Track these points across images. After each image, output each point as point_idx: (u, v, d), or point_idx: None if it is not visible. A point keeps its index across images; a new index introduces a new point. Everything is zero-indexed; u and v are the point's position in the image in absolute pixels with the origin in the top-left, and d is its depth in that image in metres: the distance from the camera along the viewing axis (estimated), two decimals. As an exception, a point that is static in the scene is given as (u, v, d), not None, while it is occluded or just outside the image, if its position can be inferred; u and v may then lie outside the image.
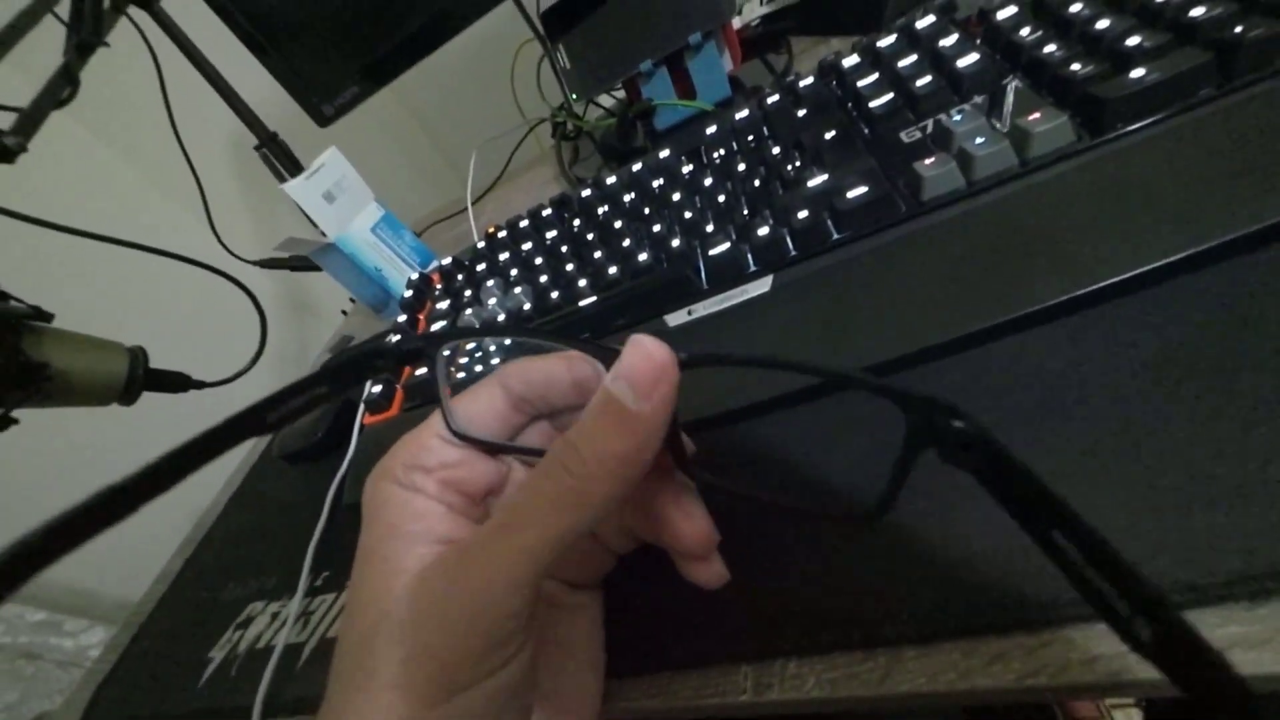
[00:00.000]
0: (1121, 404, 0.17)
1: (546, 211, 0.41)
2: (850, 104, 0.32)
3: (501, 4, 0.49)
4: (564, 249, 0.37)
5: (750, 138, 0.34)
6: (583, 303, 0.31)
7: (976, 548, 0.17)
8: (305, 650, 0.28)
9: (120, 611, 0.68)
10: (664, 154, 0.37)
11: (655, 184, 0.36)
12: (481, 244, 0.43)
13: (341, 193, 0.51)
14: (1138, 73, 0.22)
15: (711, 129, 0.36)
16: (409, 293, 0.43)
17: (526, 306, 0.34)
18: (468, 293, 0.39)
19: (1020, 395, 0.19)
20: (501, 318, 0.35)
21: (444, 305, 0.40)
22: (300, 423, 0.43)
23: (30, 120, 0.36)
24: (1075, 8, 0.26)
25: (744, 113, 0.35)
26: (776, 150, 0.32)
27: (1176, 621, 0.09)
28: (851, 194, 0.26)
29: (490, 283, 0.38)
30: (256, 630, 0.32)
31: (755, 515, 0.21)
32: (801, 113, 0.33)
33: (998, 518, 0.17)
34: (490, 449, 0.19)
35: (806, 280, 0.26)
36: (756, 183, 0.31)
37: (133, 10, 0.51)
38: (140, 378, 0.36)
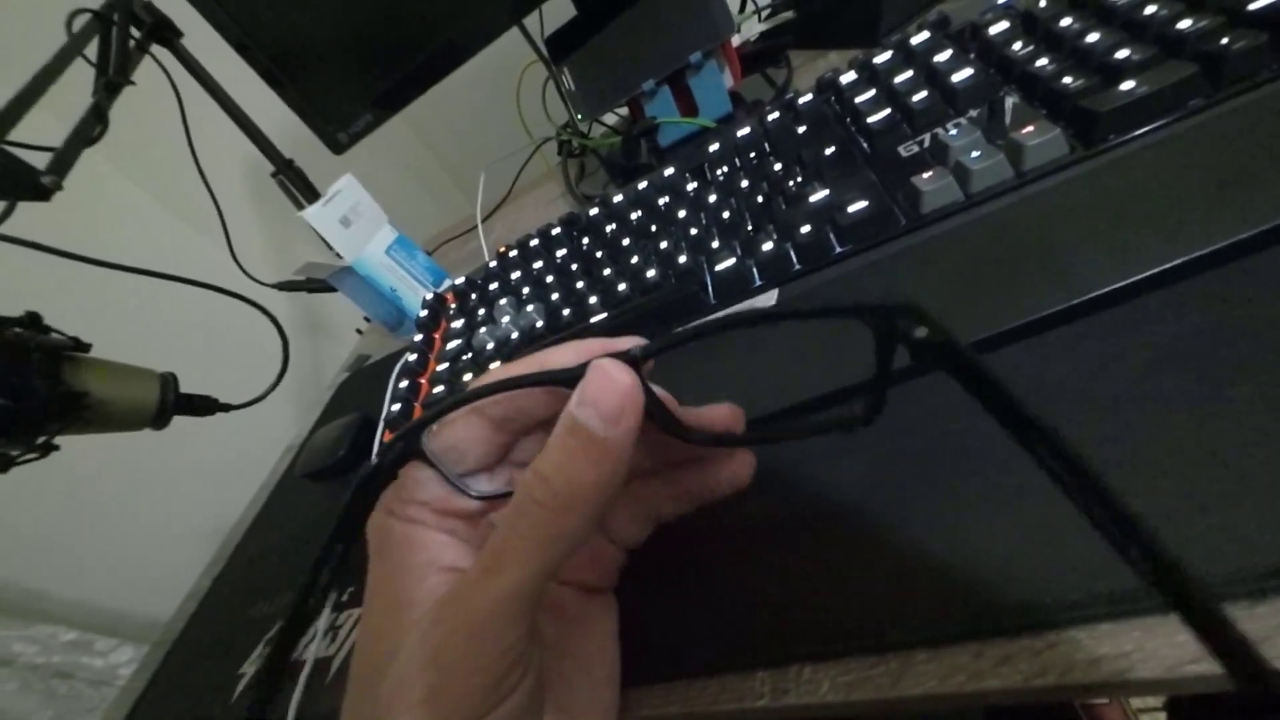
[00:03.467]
0: (1117, 412, 0.18)
1: (556, 230, 0.42)
2: (849, 120, 0.32)
3: (507, 31, 0.50)
4: (574, 267, 0.38)
5: (752, 154, 0.35)
6: (594, 319, 0.32)
7: (983, 552, 0.17)
8: (334, 664, 0.29)
9: (149, 630, 0.70)
10: (669, 171, 0.39)
11: (661, 201, 0.37)
12: (493, 263, 0.44)
13: (357, 217, 0.53)
14: (1127, 85, 0.23)
15: (714, 146, 0.37)
16: (424, 312, 0.44)
17: (539, 324, 0.35)
18: (481, 311, 0.41)
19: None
20: (515, 336, 0.36)
21: (459, 324, 0.41)
22: (321, 441, 0.45)
23: (64, 159, 0.38)
24: (1065, 22, 0.27)
25: (745, 130, 0.36)
26: (778, 166, 0.33)
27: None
28: (852, 208, 0.27)
29: (503, 301, 0.39)
30: (286, 645, 0.33)
31: (766, 524, 0.21)
32: (801, 129, 0.34)
33: (1003, 523, 0.17)
34: (508, 498, 0.18)
35: (810, 293, 0.27)
36: (759, 199, 0.32)
37: (155, 49, 0.53)
38: (171, 403, 0.37)
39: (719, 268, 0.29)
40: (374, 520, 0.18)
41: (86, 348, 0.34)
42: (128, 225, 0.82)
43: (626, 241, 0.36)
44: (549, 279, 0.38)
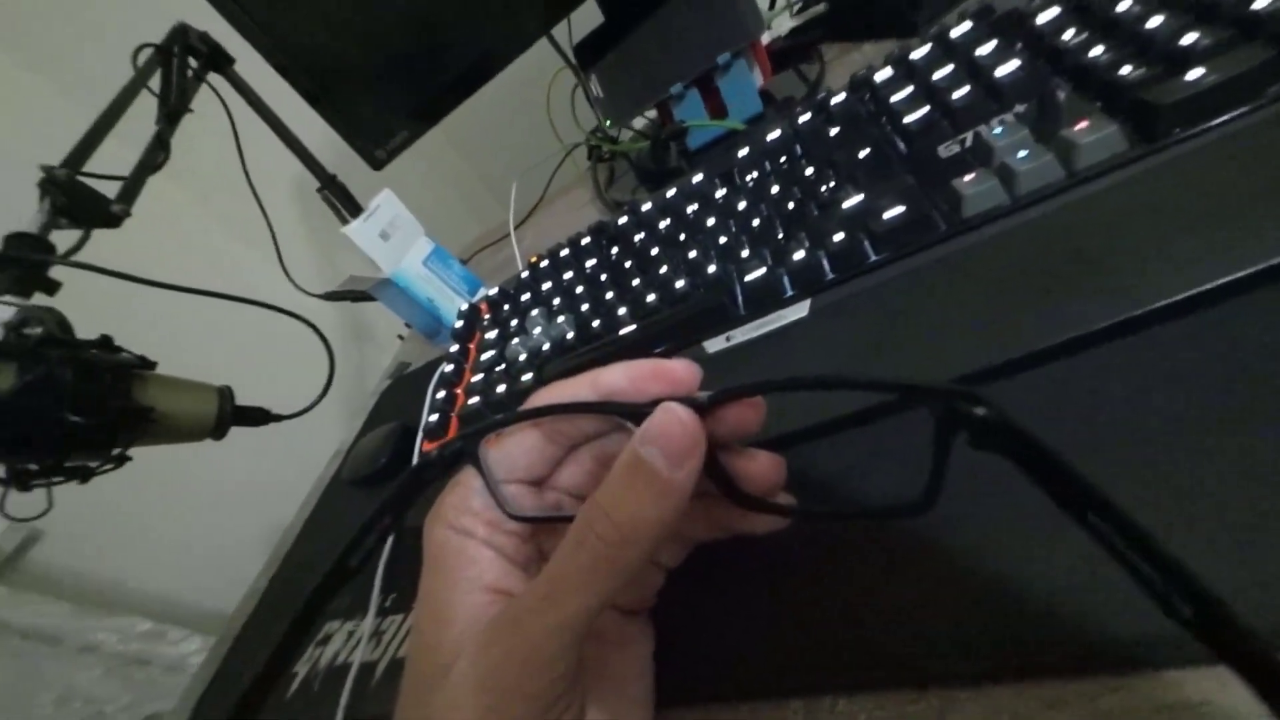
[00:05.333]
0: (1181, 434, 0.16)
1: (585, 240, 0.42)
2: (884, 119, 0.31)
3: (537, 41, 0.51)
4: (603, 277, 0.38)
5: (783, 159, 0.34)
6: (623, 331, 0.32)
7: (1037, 583, 0.16)
8: (378, 669, 0.30)
9: (215, 621, 0.75)
10: (697, 178, 0.38)
11: (690, 209, 0.37)
12: (525, 273, 0.44)
13: (395, 230, 0.54)
14: (1195, 74, 0.21)
15: (744, 151, 0.36)
16: (459, 323, 0.45)
17: (570, 335, 0.36)
18: (514, 322, 0.41)
19: (1070, 424, 0.18)
20: (546, 347, 0.36)
21: (492, 335, 0.42)
22: (364, 450, 0.46)
23: (132, 188, 0.41)
24: (1123, 5, 0.25)
25: (776, 133, 0.35)
26: (810, 171, 0.32)
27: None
28: (888, 214, 0.26)
29: (535, 312, 0.40)
30: (334, 648, 0.34)
31: (804, 547, 0.21)
32: (834, 131, 0.33)
33: (1056, 556, 0.16)
34: (547, 522, 0.19)
35: (844, 303, 0.26)
36: (790, 205, 0.31)
37: (210, 76, 0.56)
38: (228, 415, 0.39)
39: (749, 278, 0.29)
40: (432, 532, 0.19)
41: (152, 365, 0.36)
42: (185, 244, 0.87)
43: (655, 251, 0.36)
44: (579, 289, 0.39)
